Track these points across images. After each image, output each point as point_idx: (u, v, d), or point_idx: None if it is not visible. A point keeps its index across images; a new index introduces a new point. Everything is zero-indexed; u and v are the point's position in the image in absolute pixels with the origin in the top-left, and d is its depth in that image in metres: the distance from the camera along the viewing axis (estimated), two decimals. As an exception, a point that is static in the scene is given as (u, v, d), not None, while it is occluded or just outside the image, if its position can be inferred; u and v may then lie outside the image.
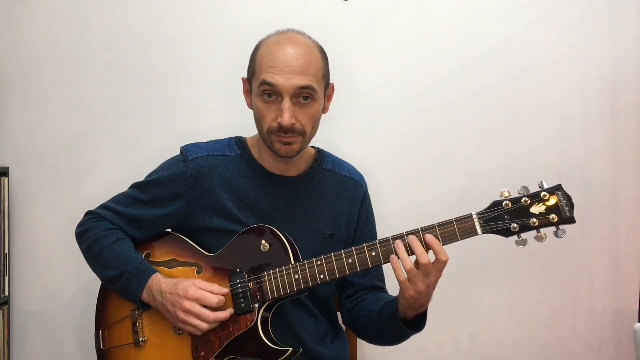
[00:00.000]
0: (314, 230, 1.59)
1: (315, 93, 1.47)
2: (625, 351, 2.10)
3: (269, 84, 1.44)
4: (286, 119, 1.44)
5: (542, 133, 2.06)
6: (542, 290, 2.09)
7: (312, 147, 1.65)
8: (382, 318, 1.53)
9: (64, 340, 2.04)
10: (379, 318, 1.54)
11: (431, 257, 1.37)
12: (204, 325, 1.44)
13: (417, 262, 1.36)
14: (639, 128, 2.07)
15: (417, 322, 1.47)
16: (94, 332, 1.63)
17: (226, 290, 1.47)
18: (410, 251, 1.37)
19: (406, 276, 1.37)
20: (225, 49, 2.00)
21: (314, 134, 1.54)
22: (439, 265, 1.36)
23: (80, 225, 1.64)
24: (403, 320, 1.46)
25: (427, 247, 1.36)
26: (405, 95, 2.04)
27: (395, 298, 1.49)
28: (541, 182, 1.37)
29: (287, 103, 1.44)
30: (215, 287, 1.47)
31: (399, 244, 1.37)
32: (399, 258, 1.37)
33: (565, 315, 2.10)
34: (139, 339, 1.54)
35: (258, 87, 1.47)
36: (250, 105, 1.57)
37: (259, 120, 1.51)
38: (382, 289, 1.69)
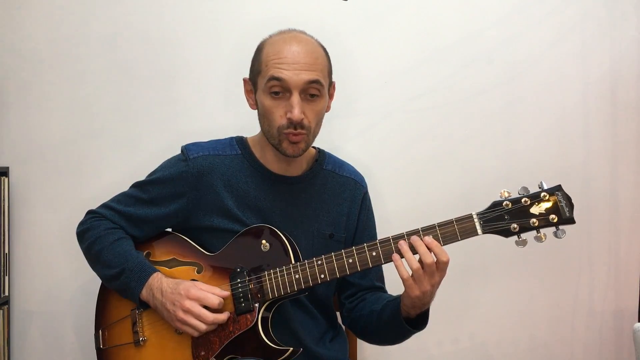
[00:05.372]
0: (313, 230, 1.59)
1: (322, 89, 1.48)
2: (625, 351, 2.10)
3: (278, 79, 1.44)
4: (296, 113, 1.44)
5: (542, 133, 2.06)
6: (542, 290, 2.09)
7: (313, 147, 1.65)
8: (383, 317, 1.53)
9: (64, 340, 2.04)
10: (380, 317, 1.54)
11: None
12: (202, 326, 1.44)
13: (421, 263, 1.36)
14: (639, 128, 2.07)
15: (418, 321, 1.48)
16: (93, 332, 1.63)
17: (227, 293, 1.48)
18: (413, 252, 1.37)
19: (410, 274, 1.37)
20: (226, 49, 2.00)
21: (318, 133, 1.55)
22: (441, 266, 1.36)
23: (81, 224, 1.64)
24: (405, 319, 1.46)
25: (427, 248, 1.37)
26: (405, 95, 2.04)
27: (397, 297, 1.49)
28: (541, 182, 1.38)
29: (296, 98, 1.45)
30: (216, 289, 1.47)
31: (403, 245, 1.38)
32: (402, 257, 1.37)
33: (565, 315, 2.10)
34: (139, 339, 1.54)
35: (265, 84, 1.47)
36: (253, 106, 1.57)
37: (266, 118, 1.50)
38: (382, 289, 1.69)
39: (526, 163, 2.04)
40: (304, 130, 1.47)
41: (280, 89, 1.46)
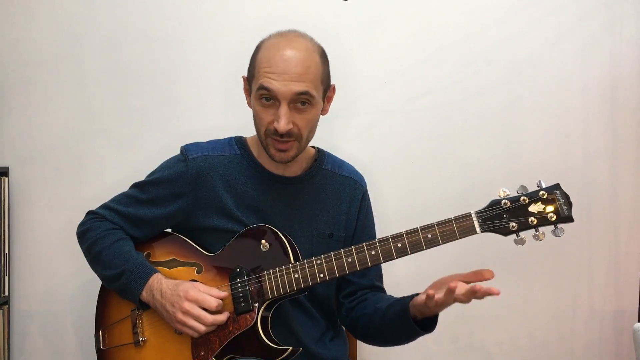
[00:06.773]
0: (313, 230, 1.59)
1: (312, 99, 1.47)
2: (625, 351, 2.10)
3: (266, 89, 1.44)
4: (282, 125, 1.44)
5: (541, 133, 2.06)
6: (542, 290, 2.09)
7: (312, 147, 1.65)
8: (388, 315, 1.51)
9: (64, 340, 2.04)
10: (385, 315, 1.52)
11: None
12: (202, 328, 1.44)
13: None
14: (639, 128, 2.07)
15: (424, 323, 1.47)
16: (93, 332, 1.64)
17: (225, 293, 1.48)
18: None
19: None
20: (226, 49, 2.00)
21: (311, 138, 1.54)
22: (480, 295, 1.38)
23: (81, 225, 1.64)
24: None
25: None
26: (405, 95, 2.04)
27: (403, 298, 1.49)
28: (539, 181, 1.37)
29: (284, 109, 1.44)
30: (215, 291, 1.47)
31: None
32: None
33: (565, 315, 2.10)
34: (139, 339, 1.54)
35: (256, 91, 1.47)
36: (250, 104, 1.57)
37: (256, 122, 1.52)
38: (382, 289, 1.68)
39: (526, 163, 2.04)
40: (292, 138, 1.47)
41: (270, 97, 1.46)
